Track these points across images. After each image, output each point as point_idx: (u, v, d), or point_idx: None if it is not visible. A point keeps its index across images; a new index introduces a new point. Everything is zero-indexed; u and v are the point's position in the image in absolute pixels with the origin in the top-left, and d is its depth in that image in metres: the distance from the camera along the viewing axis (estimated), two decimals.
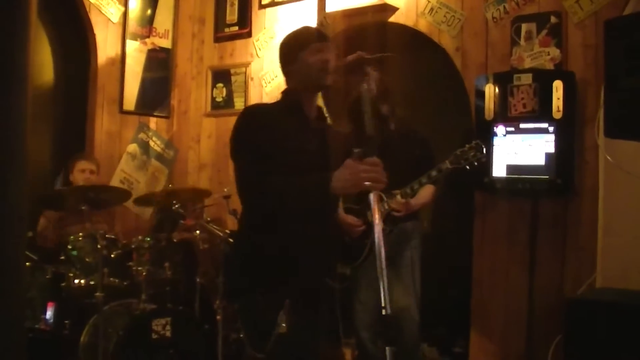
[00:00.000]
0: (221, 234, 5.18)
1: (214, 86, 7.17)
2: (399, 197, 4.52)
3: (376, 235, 2.62)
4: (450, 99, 5.98)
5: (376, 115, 2.85)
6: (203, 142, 7.25)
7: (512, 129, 4.77)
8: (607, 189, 4.59)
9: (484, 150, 4.42)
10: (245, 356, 5.25)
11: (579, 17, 4.80)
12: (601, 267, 4.55)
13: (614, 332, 3.75)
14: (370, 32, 5.99)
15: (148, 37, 7.09)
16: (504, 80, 4.84)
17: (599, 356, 3.79)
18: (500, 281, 5.08)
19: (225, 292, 5.12)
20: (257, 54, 6.81)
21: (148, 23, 7.10)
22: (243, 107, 6.35)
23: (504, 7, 5.14)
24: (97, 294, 4.71)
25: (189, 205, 5.79)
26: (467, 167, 4.45)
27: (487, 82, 4.92)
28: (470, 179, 5.00)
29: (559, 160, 4.60)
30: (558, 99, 4.58)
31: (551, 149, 4.60)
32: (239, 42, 7.01)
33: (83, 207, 5.04)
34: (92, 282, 4.94)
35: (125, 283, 5.14)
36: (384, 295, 2.55)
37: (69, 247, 5.02)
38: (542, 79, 4.68)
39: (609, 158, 4.42)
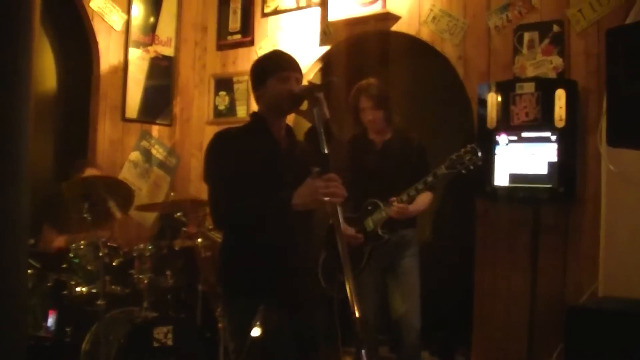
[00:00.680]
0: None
1: (216, 94, 7.17)
2: (395, 203, 4.52)
3: (339, 243, 2.83)
4: (452, 107, 5.98)
5: (328, 135, 2.99)
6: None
7: (515, 137, 4.77)
8: (609, 197, 4.59)
9: (479, 153, 4.41)
10: None
11: (582, 25, 4.80)
12: (603, 275, 4.55)
13: (616, 342, 3.75)
14: (373, 40, 6.00)
15: (151, 45, 7.10)
16: (506, 88, 4.84)
17: None
18: (502, 289, 5.08)
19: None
20: None
21: (151, 31, 7.11)
22: (245, 115, 6.38)
23: (507, 15, 5.15)
24: (99, 301, 4.69)
25: (191, 213, 5.78)
26: (464, 171, 4.44)
27: (490, 90, 4.92)
28: (473, 187, 5.00)
29: (561, 168, 4.59)
30: (560, 107, 4.58)
31: (553, 157, 4.59)
32: (241, 50, 7.01)
33: (85, 216, 5.03)
34: (93, 290, 4.94)
35: (126, 291, 5.14)
36: (351, 298, 2.84)
37: (71, 254, 5.02)
38: (545, 88, 4.68)
39: (611, 166, 4.42)
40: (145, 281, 5.07)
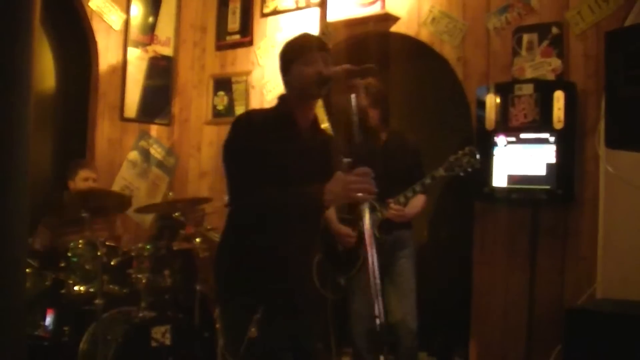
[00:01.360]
0: None
1: (215, 94, 7.17)
2: (392, 205, 4.52)
3: (367, 245, 2.70)
4: (451, 108, 5.98)
5: (364, 126, 2.88)
6: (204, 150, 7.25)
7: (513, 139, 4.77)
8: (607, 199, 4.59)
9: (478, 156, 4.42)
10: None
11: (581, 28, 4.81)
12: (601, 277, 4.56)
13: (614, 343, 3.75)
14: (372, 41, 6.00)
15: (150, 44, 7.10)
16: (505, 90, 4.84)
17: None
18: (500, 291, 5.08)
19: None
20: (258, 63, 6.81)
21: (150, 31, 7.11)
22: None
23: (506, 17, 5.15)
24: (97, 301, 4.69)
25: (189, 213, 5.78)
26: (461, 173, 4.44)
27: (488, 92, 4.92)
28: (471, 188, 5.00)
29: (559, 170, 4.60)
30: (559, 109, 4.58)
31: (552, 159, 4.60)
32: (240, 51, 7.01)
33: (84, 215, 5.03)
34: (91, 289, 4.93)
35: (124, 290, 5.14)
36: (377, 304, 2.62)
37: (69, 254, 5.02)
38: (543, 90, 4.68)
39: (609, 168, 4.43)
40: (144, 281, 5.07)
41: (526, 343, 4.73)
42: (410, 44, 5.77)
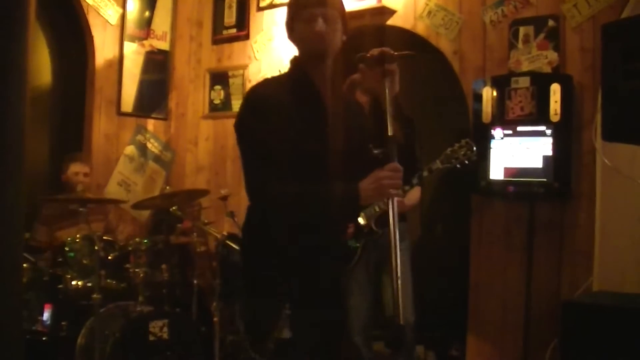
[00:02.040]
0: (218, 236, 5.18)
1: (211, 88, 7.16)
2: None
3: (392, 241, 2.50)
4: (447, 101, 5.98)
5: (398, 116, 2.73)
6: (201, 144, 7.24)
7: (510, 132, 4.78)
8: (604, 192, 4.60)
9: (474, 148, 4.41)
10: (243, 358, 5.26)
11: (577, 20, 4.81)
12: (598, 270, 4.56)
13: (611, 336, 3.75)
14: (368, 35, 5.99)
15: (146, 39, 7.09)
16: (501, 83, 4.84)
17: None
18: (497, 284, 5.08)
19: (221, 292, 5.14)
20: (255, 57, 6.80)
21: (146, 25, 7.10)
22: None
23: (502, 10, 5.15)
24: (94, 295, 4.69)
25: (187, 207, 5.78)
26: (458, 165, 4.44)
27: (485, 85, 4.93)
28: (468, 182, 5.00)
29: (556, 163, 4.60)
30: (556, 102, 4.58)
31: (549, 152, 4.60)
32: (236, 45, 7.00)
33: (80, 209, 5.03)
34: (89, 284, 4.94)
35: (122, 285, 5.14)
36: (394, 302, 2.54)
37: (66, 248, 5.02)
38: (540, 82, 4.69)
39: (606, 161, 4.43)
40: (141, 275, 5.07)
41: (523, 336, 4.74)
42: (406, 37, 5.76)
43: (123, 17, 6.88)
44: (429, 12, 5.54)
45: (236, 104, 6.86)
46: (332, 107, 2.89)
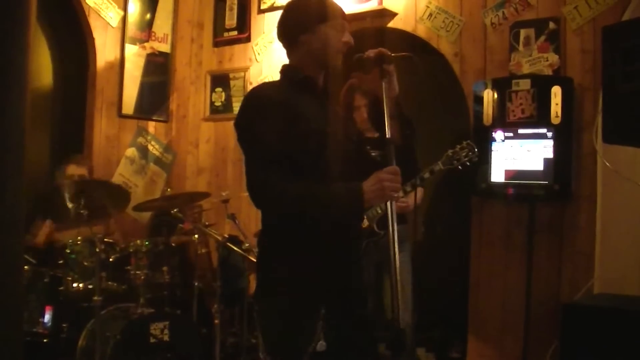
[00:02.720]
0: (219, 238, 5.18)
1: (212, 91, 7.16)
2: (400, 194, 4.49)
3: (391, 246, 2.40)
4: (448, 104, 5.98)
5: (397, 117, 2.70)
6: (201, 146, 7.24)
7: (511, 134, 4.78)
8: (604, 194, 4.60)
9: (476, 149, 4.42)
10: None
11: (577, 23, 4.81)
12: (599, 272, 4.56)
13: (612, 338, 3.75)
14: (369, 37, 6.00)
15: (147, 41, 7.09)
16: (502, 85, 4.85)
17: None
18: (498, 286, 5.08)
19: (222, 294, 5.13)
20: (256, 59, 6.81)
21: (147, 27, 7.10)
22: None
23: (503, 12, 5.15)
24: (95, 297, 4.69)
25: (187, 209, 5.78)
26: (460, 167, 4.44)
27: (486, 87, 4.93)
28: (468, 183, 5.00)
29: (557, 165, 4.60)
30: (556, 104, 4.58)
31: (549, 154, 4.61)
32: (237, 47, 7.01)
33: (82, 211, 5.02)
34: (90, 286, 4.94)
35: (123, 287, 5.15)
36: (396, 307, 2.38)
37: (67, 250, 5.02)
38: (541, 85, 4.69)
39: (607, 163, 4.43)
40: (142, 277, 5.08)
41: (523, 338, 4.73)
42: (407, 39, 5.77)
43: (124, 19, 6.88)
44: (430, 15, 5.54)
45: (237, 106, 6.83)
46: (332, 111, 2.88)
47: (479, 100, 4.96)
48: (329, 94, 2.92)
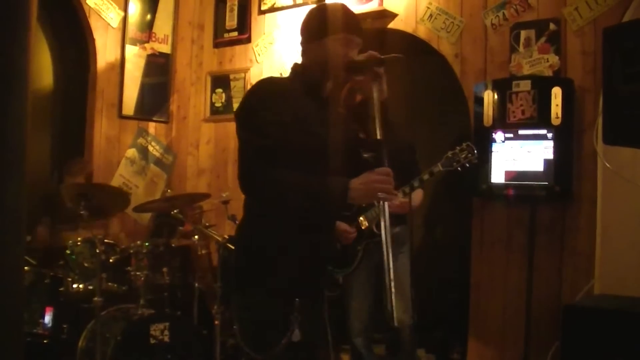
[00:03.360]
0: (219, 239, 5.18)
1: (213, 91, 7.17)
2: (400, 195, 4.49)
3: (384, 247, 2.63)
4: (449, 105, 5.99)
5: (385, 120, 2.74)
6: (202, 147, 7.25)
7: (511, 135, 4.78)
8: (605, 195, 4.60)
9: (475, 151, 4.42)
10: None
11: (578, 24, 4.81)
12: (599, 273, 4.56)
13: (612, 339, 3.75)
14: (369, 38, 5.99)
15: (147, 42, 7.10)
16: (502, 86, 4.85)
17: None
18: (498, 288, 5.08)
19: (222, 295, 5.13)
20: (256, 60, 6.81)
21: (147, 28, 7.11)
22: None
23: (503, 13, 5.15)
24: (96, 298, 4.69)
25: (188, 210, 5.78)
26: (459, 168, 4.44)
27: (486, 88, 4.93)
28: (469, 184, 5.00)
29: (557, 166, 4.60)
30: (557, 105, 4.59)
31: (550, 155, 4.61)
32: (238, 48, 7.01)
33: (82, 212, 5.04)
34: (90, 287, 4.94)
35: (123, 288, 5.15)
36: (390, 307, 2.58)
37: (68, 251, 5.03)
38: (541, 86, 4.69)
39: (607, 165, 4.43)
40: (142, 278, 5.08)
41: (524, 339, 4.73)
42: (407, 40, 5.77)
43: (124, 20, 6.89)
44: (430, 16, 5.54)
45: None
46: (332, 114, 2.95)
47: (479, 101, 4.96)
48: (333, 99, 2.98)
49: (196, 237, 5.47)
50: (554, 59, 4.90)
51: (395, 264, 4.77)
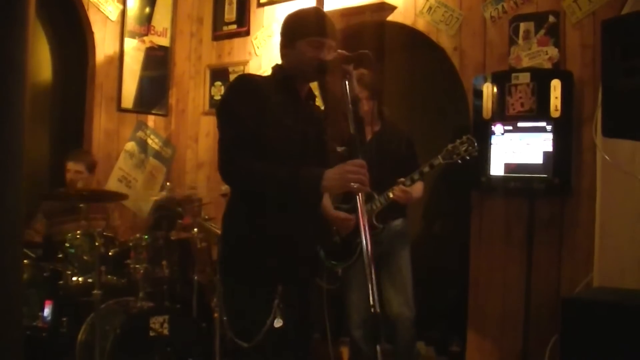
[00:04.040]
0: (219, 232, 5.17)
1: (212, 85, 7.17)
2: (402, 186, 4.49)
3: (363, 236, 2.64)
4: (448, 98, 5.98)
5: (356, 115, 2.82)
6: (201, 140, 7.25)
7: (510, 127, 4.78)
8: (604, 188, 4.59)
9: (476, 144, 4.42)
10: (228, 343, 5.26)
11: (577, 16, 4.80)
12: (598, 266, 4.56)
13: (611, 332, 3.75)
14: (369, 31, 5.99)
15: (146, 35, 7.09)
16: (502, 79, 4.85)
17: (595, 356, 3.80)
18: (497, 280, 5.09)
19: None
20: (255, 53, 6.81)
21: (146, 21, 7.10)
22: None
23: (502, 6, 5.15)
24: (95, 292, 4.69)
25: (187, 203, 5.78)
26: (459, 161, 4.44)
27: (485, 81, 4.93)
28: (468, 177, 5.01)
29: (556, 159, 4.60)
30: (556, 98, 4.58)
31: (549, 148, 4.61)
32: (237, 41, 7.01)
33: (81, 205, 5.04)
34: (89, 280, 4.94)
35: (122, 281, 5.15)
36: (372, 294, 2.56)
37: (67, 244, 5.02)
38: (540, 79, 4.69)
39: (606, 157, 4.43)
40: (141, 271, 5.07)
41: (523, 332, 4.74)
42: (406, 33, 5.77)
43: (123, 13, 6.88)
44: (429, 8, 5.53)
45: None
46: (307, 113, 3.15)
47: (479, 94, 4.96)
48: (308, 98, 3.20)
49: (195, 230, 5.46)
50: (553, 51, 4.89)
51: (395, 258, 4.81)
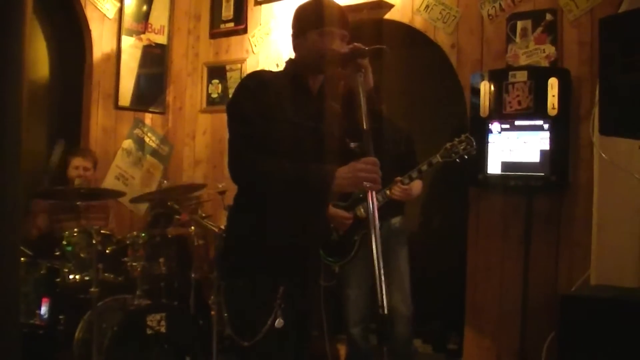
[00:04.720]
0: (216, 230, 5.18)
1: (209, 82, 7.16)
2: (400, 184, 4.49)
3: (373, 235, 2.62)
4: (445, 96, 5.98)
5: (371, 110, 2.77)
6: (198, 138, 7.24)
7: (507, 125, 4.78)
8: (601, 186, 4.60)
9: (474, 143, 4.42)
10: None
11: (574, 14, 4.81)
12: (595, 263, 4.57)
13: (608, 329, 3.76)
14: (366, 29, 5.99)
15: (143, 33, 7.08)
16: (499, 77, 4.85)
17: (593, 352, 3.80)
18: (495, 278, 5.09)
19: (219, 285, 5.13)
20: (252, 50, 6.80)
21: (144, 19, 7.09)
22: None
23: (500, 4, 5.15)
24: (92, 289, 4.70)
25: (184, 200, 5.78)
26: (458, 160, 4.45)
27: (483, 79, 4.93)
28: (465, 175, 5.01)
29: (553, 157, 4.61)
30: (553, 96, 4.59)
31: (546, 146, 4.61)
32: (234, 39, 7.00)
33: (78, 203, 5.04)
34: (86, 278, 4.94)
35: (120, 278, 5.14)
36: (381, 295, 2.54)
37: (64, 242, 5.02)
38: (538, 76, 4.69)
39: (603, 155, 4.43)
40: (139, 269, 5.08)
41: (521, 329, 4.75)
42: (404, 31, 5.76)
43: (121, 10, 6.87)
44: (427, 6, 5.53)
45: None
46: (321, 108, 3.06)
47: (476, 91, 4.96)
48: (321, 92, 3.09)
49: (193, 227, 5.46)
50: (550, 49, 4.90)
51: (394, 255, 4.80)
